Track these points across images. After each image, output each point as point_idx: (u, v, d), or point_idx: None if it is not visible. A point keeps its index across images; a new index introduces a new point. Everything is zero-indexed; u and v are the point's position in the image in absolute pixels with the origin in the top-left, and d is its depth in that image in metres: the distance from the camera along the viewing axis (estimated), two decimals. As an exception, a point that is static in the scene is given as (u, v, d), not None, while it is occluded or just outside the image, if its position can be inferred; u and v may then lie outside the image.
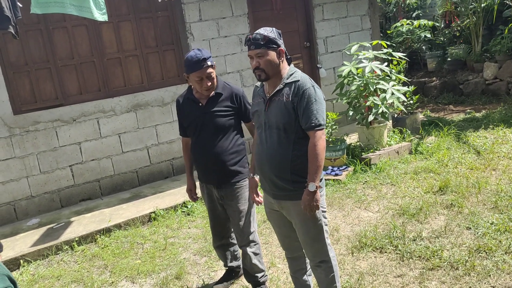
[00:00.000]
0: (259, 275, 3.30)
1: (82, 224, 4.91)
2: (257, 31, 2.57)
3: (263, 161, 2.67)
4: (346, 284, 3.33)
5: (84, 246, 4.56)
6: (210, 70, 3.01)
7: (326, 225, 2.73)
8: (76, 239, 4.59)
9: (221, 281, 3.53)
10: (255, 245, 3.26)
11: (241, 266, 3.45)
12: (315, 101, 2.51)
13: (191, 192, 3.44)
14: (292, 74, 2.60)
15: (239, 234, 3.24)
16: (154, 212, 5.02)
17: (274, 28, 2.61)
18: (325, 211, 2.72)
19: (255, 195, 2.99)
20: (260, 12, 6.84)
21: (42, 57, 5.39)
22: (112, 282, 3.83)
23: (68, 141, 5.53)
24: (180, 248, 4.28)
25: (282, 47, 2.60)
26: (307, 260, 2.92)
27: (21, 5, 3.87)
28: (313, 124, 2.50)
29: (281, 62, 2.59)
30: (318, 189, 2.52)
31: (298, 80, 2.56)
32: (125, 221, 4.87)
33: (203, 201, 3.50)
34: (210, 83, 3.03)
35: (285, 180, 2.61)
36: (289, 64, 2.67)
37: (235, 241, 3.44)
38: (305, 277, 2.99)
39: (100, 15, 4.04)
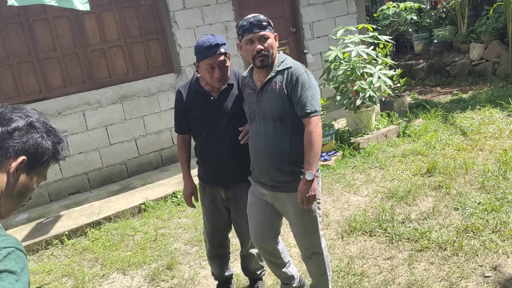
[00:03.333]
0: (259, 271, 3.21)
1: (71, 218, 4.88)
2: (252, 15, 2.48)
3: (260, 153, 2.57)
4: (337, 268, 3.35)
5: (74, 239, 4.54)
6: (223, 58, 2.66)
7: (320, 216, 2.68)
8: (66, 233, 4.56)
9: None
10: None
11: (240, 265, 3.28)
12: (309, 87, 2.44)
13: (190, 198, 3.01)
14: (283, 61, 2.52)
15: (247, 236, 2.97)
16: (144, 204, 5.00)
17: (261, 14, 2.53)
18: (319, 202, 2.65)
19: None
20: (245, -1, 6.77)
21: (23, 50, 5.29)
22: (104, 275, 3.82)
23: (54, 135, 5.45)
24: (171, 239, 4.27)
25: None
26: (283, 255, 2.84)
27: (-2, -2, 3.79)
28: (308, 111, 2.42)
29: (276, 47, 2.53)
30: (315, 178, 2.44)
31: (291, 67, 2.48)
32: (115, 214, 4.85)
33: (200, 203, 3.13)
34: (222, 74, 2.69)
35: (283, 171, 2.53)
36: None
37: (229, 250, 3.22)
38: (284, 269, 2.89)
39: (81, 4, 3.96)
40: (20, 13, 5.18)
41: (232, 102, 2.78)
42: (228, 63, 2.72)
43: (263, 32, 2.45)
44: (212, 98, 2.79)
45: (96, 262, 4.06)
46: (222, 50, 2.65)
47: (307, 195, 2.42)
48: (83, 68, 5.66)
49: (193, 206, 3.08)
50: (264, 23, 2.45)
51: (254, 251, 3.07)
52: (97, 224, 4.73)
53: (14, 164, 1.20)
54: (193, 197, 3.03)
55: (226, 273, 3.25)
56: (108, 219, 4.80)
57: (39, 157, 1.25)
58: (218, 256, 3.18)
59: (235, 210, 2.95)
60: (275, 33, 2.54)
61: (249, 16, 2.48)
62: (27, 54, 5.32)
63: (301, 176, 2.47)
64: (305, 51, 7.34)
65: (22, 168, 1.23)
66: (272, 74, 2.50)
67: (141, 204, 5.00)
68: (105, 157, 5.82)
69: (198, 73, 2.82)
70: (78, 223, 4.72)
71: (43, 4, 4.70)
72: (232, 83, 2.80)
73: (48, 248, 4.44)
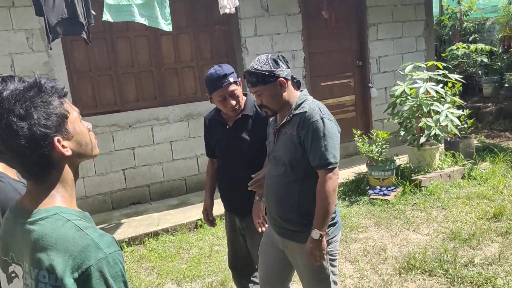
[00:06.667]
0: None
1: (131, 226, 5.07)
2: (251, 65, 2.33)
3: (269, 197, 2.45)
4: (393, 304, 3.26)
5: (133, 247, 4.70)
6: (233, 87, 2.64)
7: (335, 274, 2.45)
8: (126, 240, 4.74)
9: None
10: None
11: None
12: (324, 136, 2.21)
13: (207, 213, 3.06)
14: (301, 103, 2.33)
15: None
16: (200, 220, 5.10)
17: (269, 56, 2.33)
18: (335, 259, 2.44)
19: (258, 220, 2.68)
20: (314, 30, 6.90)
21: (104, 64, 5.68)
22: (159, 284, 3.92)
23: (123, 146, 5.75)
24: (225, 256, 4.29)
25: (283, 75, 2.30)
26: None
27: (94, 13, 4.13)
28: (321, 163, 2.22)
29: (285, 92, 2.33)
30: (324, 237, 2.24)
31: (306, 112, 2.28)
32: (172, 226, 4.98)
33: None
34: (235, 102, 2.67)
35: (291, 220, 2.36)
36: (298, 88, 2.42)
37: (257, 280, 3.04)
38: None
39: (166, 25, 4.24)
40: (105, 30, 5.58)
41: (248, 133, 2.74)
42: (239, 92, 2.70)
43: (255, 89, 2.31)
44: (227, 126, 2.81)
45: (152, 271, 4.18)
46: (231, 79, 2.63)
47: (313, 253, 2.25)
48: (155, 85, 5.97)
49: (211, 225, 3.09)
50: (254, 79, 2.29)
51: None
52: (155, 234, 4.87)
53: (59, 150, 1.14)
54: (206, 213, 3.06)
55: None
56: (166, 231, 4.94)
57: (54, 122, 1.14)
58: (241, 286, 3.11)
59: (250, 241, 2.89)
60: (279, 79, 2.30)
61: (250, 65, 2.35)
62: (108, 68, 5.69)
63: (311, 227, 2.29)
64: (369, 85, 7.34)
65: (63, 139, 1.16)
66: (288, 118, 2.34)
67: (197, 220, 5.11)
68: (167, 172, 6.04)
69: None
70: (137, 231, 4.89)
71: (126, 23, 5.06)
72: (248, 114, 2.76)
73: (108, 253, 4.61)
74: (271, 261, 2.58)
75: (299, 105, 2.33)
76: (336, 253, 2.44)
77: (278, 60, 2.32)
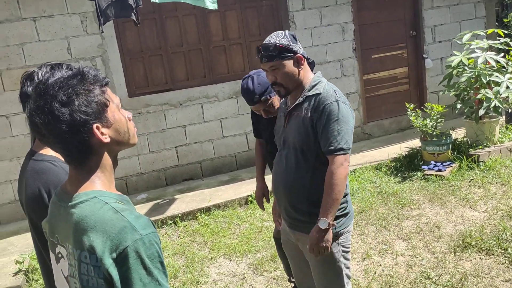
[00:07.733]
0: None
1: (184, 202, 5.23)
2: (267, 39, 2.20)
3: (278, 185, 2.32)
4: (447, 283, 3.19)
5: (186, 222, 4.86)
6: (265, 104, 2.66)
7: (348, 268, 2.32)
8: (179, 215, 4.90)
9: None
10: None
11: None
12: (337, 119, 2.09)
13: (261, 199, 3.05)
14: (315, 85, 2.21)
15: None
16: (250, 196, 5.18)
17: (286, 32, 2.22)
18: (348, 251, 2.31)
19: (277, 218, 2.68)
20: (365, 0, 6.66)
21: (155, 44, 5.79)
22: (211, 258, 4.05)
23: (175, 124, 5.89)
24: (275, 232, 4.38)
25: (300, 52, 2.20)
26: None
27: (142, -5, 4.21)
28: (332, 148, 2.09)
29: (301, 71, 2.21)
30: (331, 227, 2.13)
31: (320, 93, 2.16)
32: (223, 202, 5.10)
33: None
34: (268, 113, 2.71)
35: (301, 210, 2.24)
36: (312, 69, 2.31)
37: None
38: None
39: (211, 4, 4.25)
40: (155, 10, 5.67)
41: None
42: (275, 102, 2.63)
43: (271, 63, 2.16)
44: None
45: (205, 246, 4.31)
46: (262, 98, 2.60)
47: (319, 245, 2.12)
48: (205, 63, 6.03)
49: (263, 209, 3.10)
50: (272, 52, 2.14)
51: None
52: (207, 210, 5.01)
53: (98, 137, 1.18)
54: (264, 199, 3.07)
55: None
56: (217, 206, 5.06)
57: (94, 109, 1.18)
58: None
59: None
60: (297, 55, 2.18)
61: (266, 39, 2.22)
62: (158, 48, 5.80)
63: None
64: (424, 55, 7.03)
65: (102, 127, 1.19)
66: (301, 99, 2.21)
67: (248, 196, 5.19)
68: (218, 149, 6.14)
69: None
70: (190, 207, 5.04)
71: (174, 3, 5.10)
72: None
73: (163, 227, 4.80)
74: (295, 260, 2.53)
75: (313, 86, 2.22)
76: (349, 245, 2.33)
77: (296, 37, 2.25)
